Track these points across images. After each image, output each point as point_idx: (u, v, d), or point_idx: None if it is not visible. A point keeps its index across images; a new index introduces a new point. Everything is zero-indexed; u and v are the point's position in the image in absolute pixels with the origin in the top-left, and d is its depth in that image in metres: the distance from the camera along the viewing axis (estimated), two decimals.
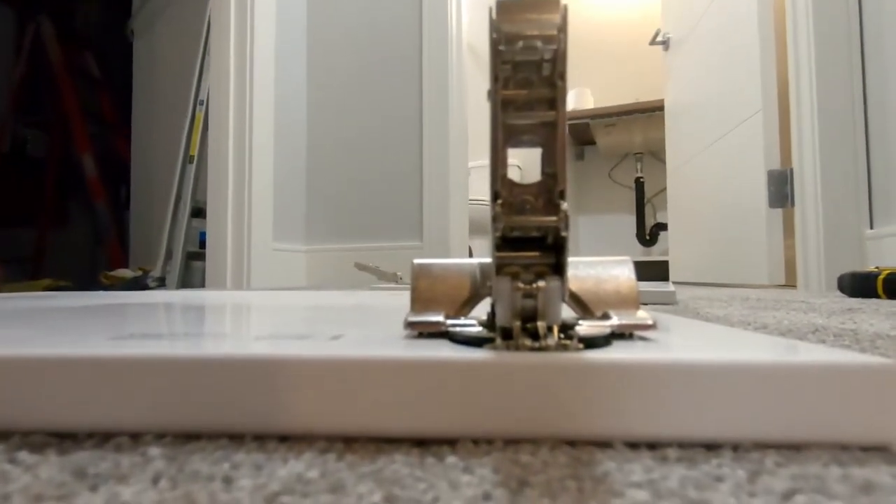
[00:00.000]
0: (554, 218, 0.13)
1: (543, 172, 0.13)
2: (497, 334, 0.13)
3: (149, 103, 1.86)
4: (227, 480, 0.10)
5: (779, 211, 1.48)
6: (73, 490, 0.10)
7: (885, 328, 0.39)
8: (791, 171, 1.41)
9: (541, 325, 0.13)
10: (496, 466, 0.11)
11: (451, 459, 0.11)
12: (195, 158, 1.44)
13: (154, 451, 0.12)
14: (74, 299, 0.46)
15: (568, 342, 0.13)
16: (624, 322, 0.15)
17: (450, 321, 0.15)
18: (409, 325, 0.16)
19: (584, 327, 0.14)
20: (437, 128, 1.48)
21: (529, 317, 0.13)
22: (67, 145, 2.09)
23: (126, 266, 1.80)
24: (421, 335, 0.16)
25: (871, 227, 1.25)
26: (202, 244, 1.43)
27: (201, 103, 1.45)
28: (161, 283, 1.40)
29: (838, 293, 0.96)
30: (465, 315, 0.16)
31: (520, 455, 0.11)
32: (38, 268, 2.04)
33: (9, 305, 0.37)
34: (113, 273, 1.49)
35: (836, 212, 1.28)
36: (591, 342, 0.14)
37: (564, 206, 0.13)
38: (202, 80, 1.46)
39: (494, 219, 0.13)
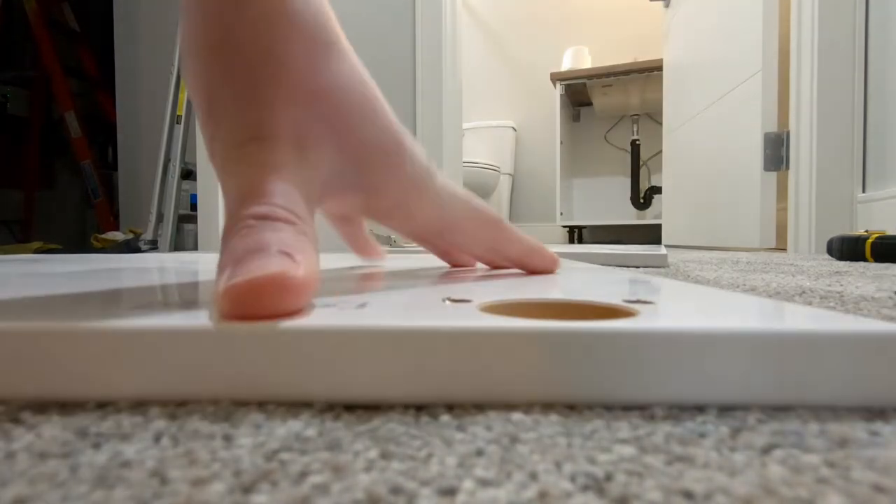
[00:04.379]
0: None
1: None
2: None
3: (132, 59, 1.79)
4: (227, 438, 0.10)
5: (773, 174, 1.48)
6: (77, 448, 0.10)
7: (870, 291, 0.39)
8: (787, 133, 1.40)
9: None
10: (489, 425, 0.11)
11: (445, 418, 0.11)
12: (183, 118, 1.40)
13: (155, 411, 0.12)
14: (71, 264, 0.46)
15: None
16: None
17: None
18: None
19: None
20: (431, 87, 1.45)
21: None
22: (49, 103, 2.03)
23: (116, 228, 1.78)
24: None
25: (864, 191, 1.25)
26: (193, 206, 1.42)
27: None
28: (154, 246, 1.39)
29: (827, 256, 0.98)
30: None
31: (512, 414, 0.12)
32: (27, 230, 2.01)
33: (8, 270, 0.37)
34: (104, 235, 1.48)
35: (829, 175, 1.28)
36: None
37: None
38: None
39: None
